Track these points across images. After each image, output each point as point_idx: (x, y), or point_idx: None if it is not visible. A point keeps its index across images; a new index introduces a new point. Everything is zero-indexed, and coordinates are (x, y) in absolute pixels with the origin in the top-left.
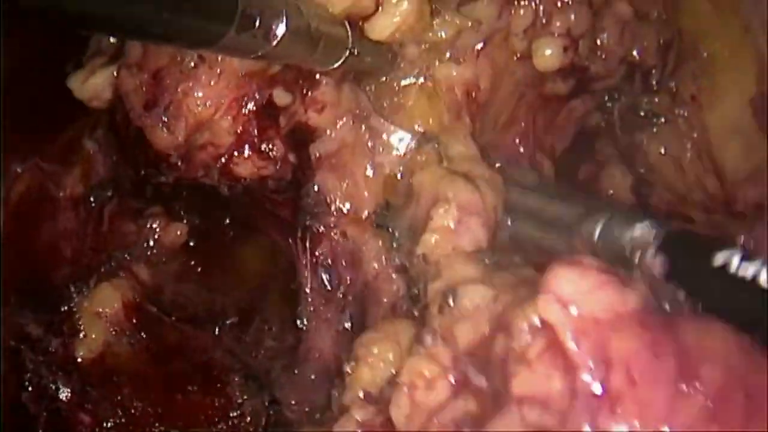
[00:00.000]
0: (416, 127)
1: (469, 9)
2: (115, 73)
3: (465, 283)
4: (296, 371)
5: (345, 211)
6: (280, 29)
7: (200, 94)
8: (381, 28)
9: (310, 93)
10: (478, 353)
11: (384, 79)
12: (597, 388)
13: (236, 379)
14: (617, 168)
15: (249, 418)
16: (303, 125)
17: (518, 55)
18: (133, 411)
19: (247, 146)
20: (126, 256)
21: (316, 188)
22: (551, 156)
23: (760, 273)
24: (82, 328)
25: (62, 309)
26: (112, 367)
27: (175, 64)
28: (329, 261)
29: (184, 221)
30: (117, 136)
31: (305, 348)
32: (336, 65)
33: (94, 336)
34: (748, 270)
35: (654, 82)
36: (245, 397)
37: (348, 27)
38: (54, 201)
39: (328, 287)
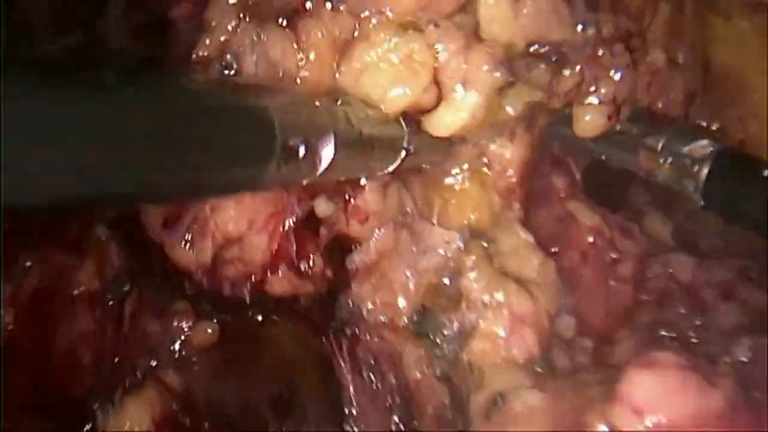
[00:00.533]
0: (464, 221)
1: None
2: None
3: (516, 388)
4: None
5: (382, 320)
6: (328, 152)
7: (231, 213)
8: (445, 125)
9: (353, 200)
10: None
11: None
12: None
13: None
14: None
15: None
16: (343, 236)
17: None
18: None
19: (283, 265)
20: (152, 362)
21: (350, 302)
22: None
23: None
24: None
25: (85, 428)
26: None
27: None
28: (370, 360)
29: (213, 319)
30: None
31: None
32: (392, 168)
33: None
34: None
35: None
36: None
37: (404, 124)
38: (68, 299)
39: (373, 386)
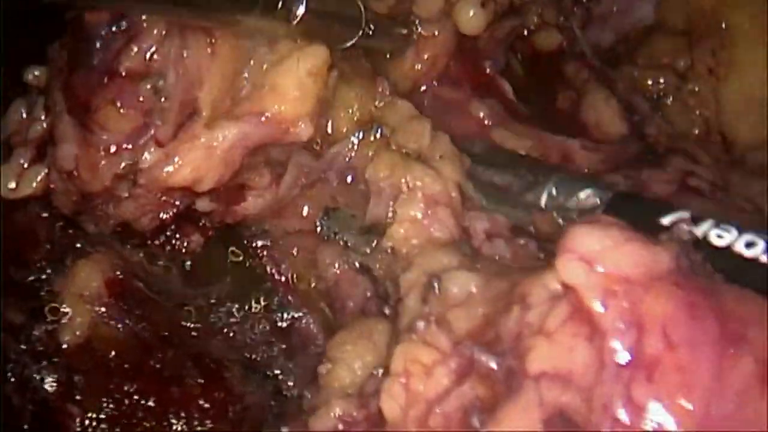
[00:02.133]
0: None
1: None
2: (43, 173)
3: (448, 270)
4: (295, 360)
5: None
6: (300, 9)
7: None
8: None
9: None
10: (483, 335)
11: None
12: (627, 356)
13: (236, 368)
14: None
15: (253, 412)
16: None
17: None
18: (125, 402)
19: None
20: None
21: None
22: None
23: (709, 233)
24: (65, 310)
25: (42, 293)
26: (100, 353)
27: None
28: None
29: None
30: None
31: (297, 336)
32: (350, 44)
33: (79, 319)
34: (698, 231)
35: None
36: (248, 388)
37: (362, 6)
38: None
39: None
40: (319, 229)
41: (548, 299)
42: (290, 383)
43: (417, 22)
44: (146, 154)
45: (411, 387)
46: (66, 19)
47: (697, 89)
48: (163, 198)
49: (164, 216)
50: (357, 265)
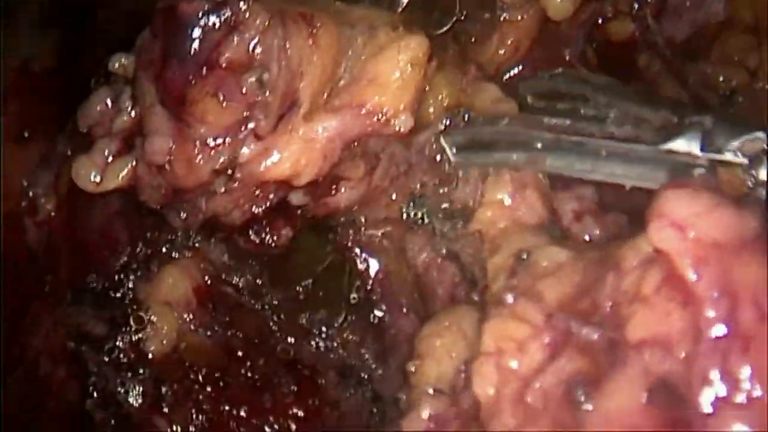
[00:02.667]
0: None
1: None
2: (131, 165)
3: (538, 246)
4: (390, 359)
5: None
6: None
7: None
8: None
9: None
10: (576, 305)
11: None
12: (723, 326)
13: (330, 373)
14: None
15: (350, 418)
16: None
17: None
18: (215, 413)
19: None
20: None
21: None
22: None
23: None
24: (150, 319)
25: (125, 301)
26: (188, 362)
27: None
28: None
29: None
30: None
31: (389, 333)
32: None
33: (165, 328)
34: None
35: None
36: (343, 394)
37: None
38: None
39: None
40: (405, 216)
41: (641, 264)
42: (386, 385)
43: (502, 6)
44: (245, 148)
45: (503, 365)
46: (157, 7)
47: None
48: (258, 192)
49: (257, 210)
50: (444, 251)
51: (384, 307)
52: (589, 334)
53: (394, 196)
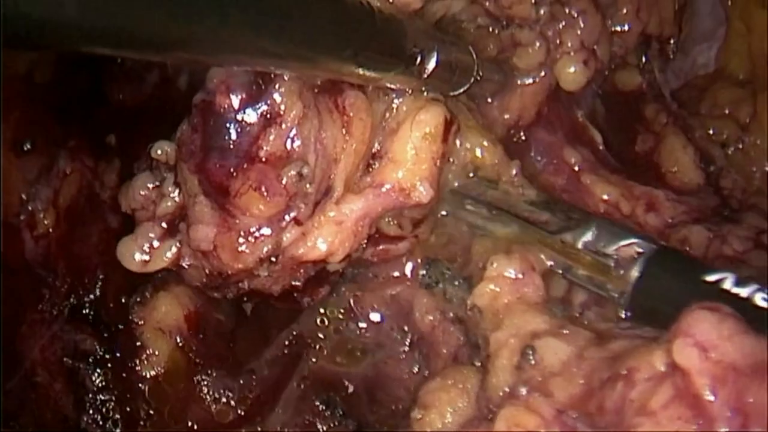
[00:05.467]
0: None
1: None
2: (174, 249)
3: (541, 337)
4: (377, 398)
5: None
6: (431, 64)
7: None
8: None
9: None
10: (584, 405)
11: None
12: None
13: (317, 404)
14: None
15: None
16: None
17: None
18: None
19: None
20: None
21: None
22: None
23: (755, 295)
24: (144, 343)
25: (121, 323)
26: (180, 385)
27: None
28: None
29: None
30: None
31: (382, 375)
32: (463, 90)
33: (157, 353)
34: (743, 291)
35: (671, 52)
36: (330, 424)
37: (473, 54)
38: (101, 203)
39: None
40: (421, 277)
41: (653, 378)
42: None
43: (516, 70)
44: (286, 234)
45: None
46: (194, 102)
47: (758, 141)
48: (297, 269)
49: (296, 283)
50: (452, 314)
51: (380, 354)
52: None
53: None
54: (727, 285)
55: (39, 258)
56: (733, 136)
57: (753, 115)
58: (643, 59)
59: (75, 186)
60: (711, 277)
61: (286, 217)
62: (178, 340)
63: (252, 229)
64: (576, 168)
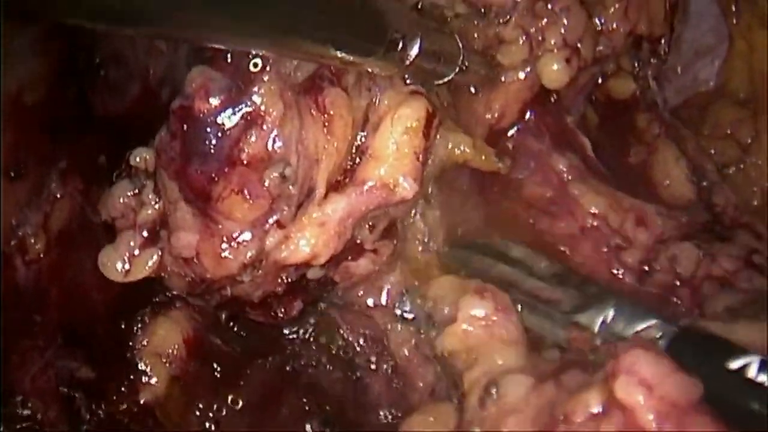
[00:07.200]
0: None
1: None
2: (156, 257)
3: (507, 373)
4: (369, 417)
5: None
6: (414, 51)
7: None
8: None
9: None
10: None
11: None
12: None
13: (313, 425)
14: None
15: None
16: None
17: None
18: None
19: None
20: None
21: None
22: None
23: None
24: (143, 370)
25: (117, 349)
26: (178, 411)
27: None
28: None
29: None
30: None
31: (372, 395)
32: (448, 78)
33: (155, 380)
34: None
35: (662, 53)
36: None
37: (459, 42)
38: (93, 226)
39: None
40: (397, 310)
41: (590, 418)
42: None
43: (499, 66)
44: (269, 238)
45: None
46: (172, 108)
47: (759, 162)
48: (280, 274)
49: (277, 289)
50: (427, 351)
51: (363, 374)
52: None
53: (387, 286)
54: (752, 372)
55: (30, 284)
56: (734, 157)
57: (754, 136)
58: (637, 66)
59: (66, 210)
60: (735, 364)
61: (269, 221)
62: (176, 365)
63: (235, 235)
64: (564, 176)
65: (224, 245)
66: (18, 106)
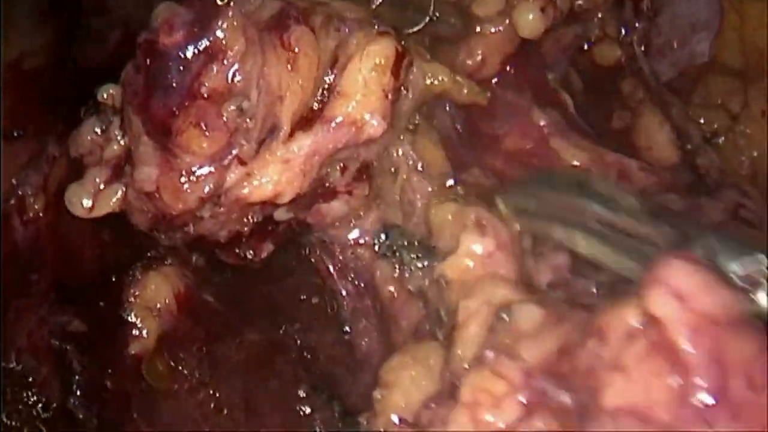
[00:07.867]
0: None
1: None
2: (120, 193)
3: (514, 302)
4: (359, 377)
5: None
6: None
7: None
8: None
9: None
10: (555, 368)
11: None
12: (711, 396)
13: (303, 387)
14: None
15: None
16: None
17: None
18: (196, 414)
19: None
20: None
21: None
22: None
23: None
24: (133, 322)
25: (109, 302)
26: (167, 369)
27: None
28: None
29: None
30: None
31: (360, 353)
32: (417, 28)
33: (146, 333)
34: None
35: (645, 9)
36: (315, 409)
37: None
38: None
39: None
40: (377, 246)
41: (626, 333)
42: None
43: (476, 17)
44: (230, 174)
45: (479, 417)
46: (138, 41)
47: (748, 131)
48: (244, 213)
49: (242, 229)
50: (411, 287)
51: (354, 326)
52: (564, 398)
53: (369, 222)
54: None
55: (28, 243)
56: (724, 126)
57: (744, 106)
58: (623, 32)
59: (63, 169)
60: None
61: (229, 156)
62: (166, 319)
63: (194, 169)
64: (545, 131)
65: (183, 179)
66: (18, 70)
